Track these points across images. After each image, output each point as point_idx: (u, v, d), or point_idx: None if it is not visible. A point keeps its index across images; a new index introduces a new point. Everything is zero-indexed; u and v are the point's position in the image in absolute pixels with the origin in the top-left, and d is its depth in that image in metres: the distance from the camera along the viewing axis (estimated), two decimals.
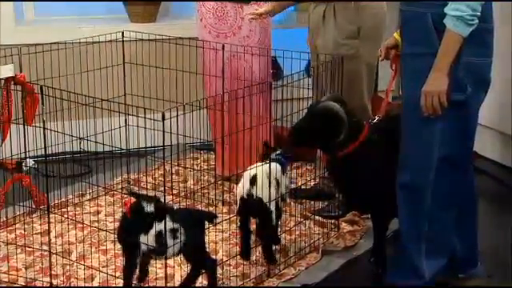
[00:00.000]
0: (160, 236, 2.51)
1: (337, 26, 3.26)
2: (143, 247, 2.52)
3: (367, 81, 3.36)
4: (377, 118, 2.86)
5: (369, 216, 3.09)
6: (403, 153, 2.60)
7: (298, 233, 3.16)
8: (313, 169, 3.69)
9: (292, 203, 3.45)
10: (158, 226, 2.51)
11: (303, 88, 3.24)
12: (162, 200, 2.57)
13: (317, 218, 3.31)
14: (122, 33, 3.60)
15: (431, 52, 2.42)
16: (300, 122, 2.82)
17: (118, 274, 2.73)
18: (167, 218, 2.52)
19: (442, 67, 2.40)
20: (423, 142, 2.53)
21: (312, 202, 3.42)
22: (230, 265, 2.87)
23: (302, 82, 3.13)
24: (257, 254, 2.97)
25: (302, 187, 3.53)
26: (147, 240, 2.51)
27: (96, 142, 2.83)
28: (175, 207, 2.83)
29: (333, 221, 3.27)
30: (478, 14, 2.36)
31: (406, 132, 2.59)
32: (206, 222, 2.67)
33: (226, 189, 3.58)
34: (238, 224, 2.94)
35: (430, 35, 2.43)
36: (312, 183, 3.55)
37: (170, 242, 2.52)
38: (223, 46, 3.46)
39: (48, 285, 2.72)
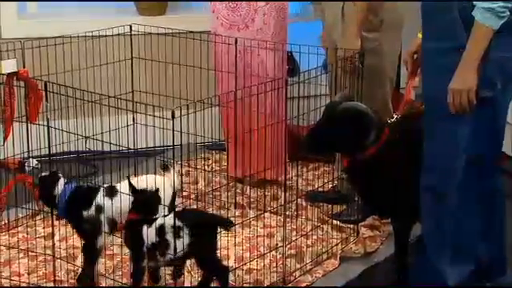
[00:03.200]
0: (162, 230, 2.51)
1: (353, 17, 3.23)
2: (146, 242, 2.53)
3: (389, 77, 3.34)
4: (395, 117, 2.83)
5: (390, 220, 3.06)
6: (427, 154, 2.57)
7: (314, 238, 3.15)
8: (331, 170, 3.67)
9: (309, 206, 3.43)
10: (161, 220, 2.53)
11: (320, 85, 3.22)
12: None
13: (335, 222, 3.29)
14: (130, 26, 3.60)
15: (457, 47, 2.39)
16: (322, 125, 2.77)
17: (125, 280, 2.72)
18: (170, 215, 2.54)
19: (471, 63, 2.37)
20: (448, 142, 2.51)
21: (330, 206, 3.40)
22: (242, 269, 2.86)
23: (319, 78, 3.11)
24: (270, 258, 2.96)
25: (320, 189, 3.51)
26: (149, 235, 2.52)
27: (102, 141, 2.82)
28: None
29: (352, 225, 3.25)
30: (510, 5, 2.32)
31: (429, 132, 2.56)
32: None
33: (238, 191, 3.57)
34: None
35: (456, 29, 2.40)
36: (330, 185, 3.53)
37: (171, 238, 2.52)
38: (236, 40, 3.45)
39: None
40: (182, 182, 3.54)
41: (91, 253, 2.71)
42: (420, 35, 2.67)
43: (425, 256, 2.64)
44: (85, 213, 2.70)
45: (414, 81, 2.87)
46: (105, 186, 2.80)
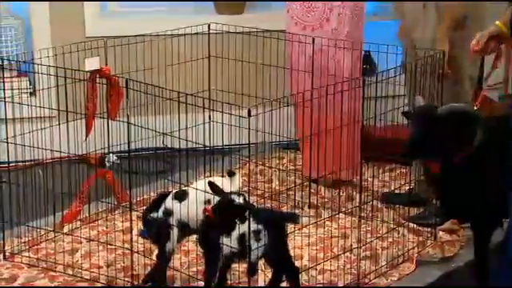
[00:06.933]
0: (243, 238, 2.53)
1: (440, 16, 3.17)
2: (226, 250, 2.54)
3: (469, 74, 3.25)
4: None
5: (469, 225, 2.99)
6: None
7: (390, 240, 3.11)
8: (407, 172, 3.61)
9: (384, 208, 3.40)
10: (242, 228, 2.53)
11: (399, 85, 3.17)
12: (241, 199, 2.57)
13: (411, 225, 3.24)
14: (209, 25, 3.65)
15: None
16: (427, 130, 2.65)
17: (199, 276, 2.77)
18: (250, 219, 2.53)
19: None
20: None
21: (406, 208, 3.34)
22: (316, 269, 2.86)
23: (397, 78, 3.07)
24: (344, 259, 2.94)
25: (396, 191, 3.47)
26: (230, 243, 2.53)
27: (179, 139, 2.88)
28: (256, 206, 2.82)
29: (429, 229, 3.20)
30: None
31: None
32: (290, 225, 2.66)
33: (312, 191, 3.56)
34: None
35: None
36: (406, 187, 3.48)
37: (253, 244, 2.53)
38: (313, 40, 3.45)
39: (129, 284, 2.80)
40: (257, 180, 3.57)
41: (160, 257, 2.75)
42: (499, 24, 2.59)
43: (509, 262, 2.55)
44: (153, 216, 2.74)
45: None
46: (175, 190, 2.82)
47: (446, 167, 2.72)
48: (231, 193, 2.61)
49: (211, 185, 2.62)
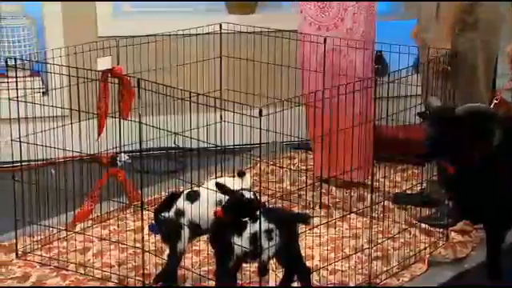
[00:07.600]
0: (255, 238, 2.52)
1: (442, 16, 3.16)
2: (237, 250, 2.54)
3: (485, 78, 3.24)
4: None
5: (482, 226, 2.97)
6: None
7: (401, 241, 3.10)
8: (419, 172, 3.59)
9: (396, 209, 3.38)
10: (253, 228, 2.52)
11: (411, 85, 3.16)
12: (251, 194, 2.56)
13: (423, 225, 3.23)
14: (220, 25, 3.65)
15: None
16: (443, 131, 2.64)
17: (210, 276, 2.77)
18: (262, 218, 2.53)
19: None
20: None
21: (417, 209, 3.33)
22: (327, 270, 2.85)
23: (409, 78, 3.06)
24: (356, 259, 2.93)
25: (407, 192, 3.45)
26: (241, 242, 2.53)
27: (191, 138, 2.88)
28: (267, 206, 2.82)
29: (441, 230, 3.18)
30: None
31: None
32: (301, 225, 2.65)
33: (324, 191, 3.56)
34: None
35: None
36: (418, 188, 3.46)
37: (264, 243, 2.53)
38: (325, 39, 3.44)
39: (140, 283, 2.81)
40: (268, 180, 3.57)
41: (171, 257, 2.75)
42: None
43: None
44: (165, 215, 2.73)
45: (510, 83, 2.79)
46: (187, 191, 2.81)
47: (462, 168, 2.70)
48: (241, 189, 2.61)
49: (218, 186, 2.61)
